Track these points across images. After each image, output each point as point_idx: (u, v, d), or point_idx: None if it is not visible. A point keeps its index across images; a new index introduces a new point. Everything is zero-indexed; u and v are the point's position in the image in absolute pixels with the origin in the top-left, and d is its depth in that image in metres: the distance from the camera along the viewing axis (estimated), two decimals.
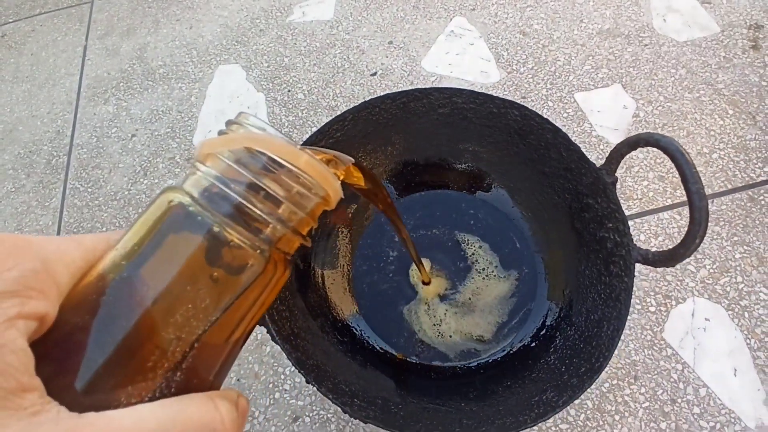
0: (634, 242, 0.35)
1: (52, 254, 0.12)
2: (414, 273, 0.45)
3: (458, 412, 0.34)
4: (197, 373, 0.13)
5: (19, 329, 0.11)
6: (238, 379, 0.78)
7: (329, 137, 0.43)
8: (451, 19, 1.16)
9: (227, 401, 0.13)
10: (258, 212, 0.14)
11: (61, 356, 0.12)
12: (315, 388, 0.67)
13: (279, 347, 0.79)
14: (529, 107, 0.42)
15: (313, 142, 0.43)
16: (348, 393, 0.33)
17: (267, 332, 0.33)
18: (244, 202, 0.14)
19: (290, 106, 1.04)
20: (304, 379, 0.78)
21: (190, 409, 0.12)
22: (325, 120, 0.41)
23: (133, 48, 1.23)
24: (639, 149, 0.92)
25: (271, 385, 0.78)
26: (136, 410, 0.11)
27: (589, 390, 0.74)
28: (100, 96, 1.16)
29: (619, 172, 0.90)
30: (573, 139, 0.39)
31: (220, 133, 0.15)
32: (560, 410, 0.29)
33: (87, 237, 0.13)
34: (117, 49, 1.24)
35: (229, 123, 0.16)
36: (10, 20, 1.36)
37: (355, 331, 0.42)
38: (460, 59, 1.08)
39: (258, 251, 0.14)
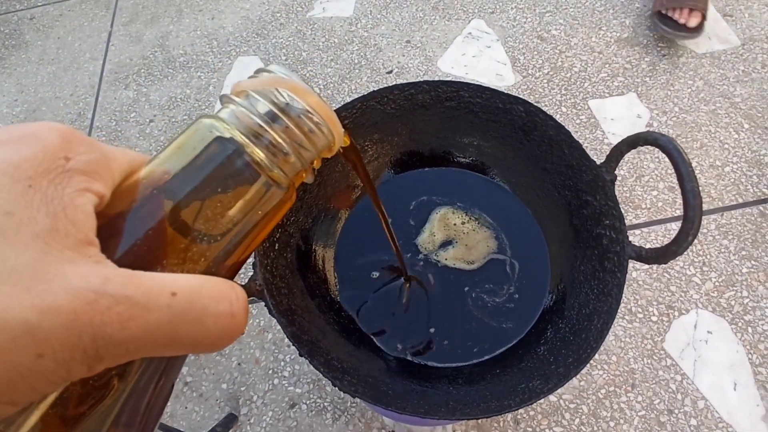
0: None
1: (110, 153, 0.15)
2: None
3: (445, 394, 0.35)
4: (216, 267, 0.17)
5: (88, 198, 0.14)
6: (239, 363, 0.79)
7: None
8: (469, 21, 1.16)
9: (240, 288, 0.15)
10: (279, 141, 0.18)
11: (109, 233, 0.14)
12: (309, 366, 0.67)
13: (280, 335, 0.81)
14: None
15: None
16: (339, 369, 0.34)
17: (265, 305, 0.35)
18: (269, 131, 0.17)
19: None
20: (303, 368, 0.79)
21: (214, 281, 0.14)
22: None
23: (156, 36, 1.26)
24: (651, 159, 0.92)
25: (270, 371, 0.79)
26: (173, 275, 0.14)
27: (585, 395, 0.74)
28: (121, 81, 1.18)
29: (628, 182, 0.90)
30: (584, 146, 0.40)
31: (251, 77, 0.19)
32: (545, 396, 0.30)
33: (132, 151, 0.17)
34: (140, 36, 1.27)
35: (258, 70, 0.19)
36: (39, 4, 1.40)
37: (351, 314, 0.43)
38: (476, 61, 1.09)
39: (274, 171, 0.18)
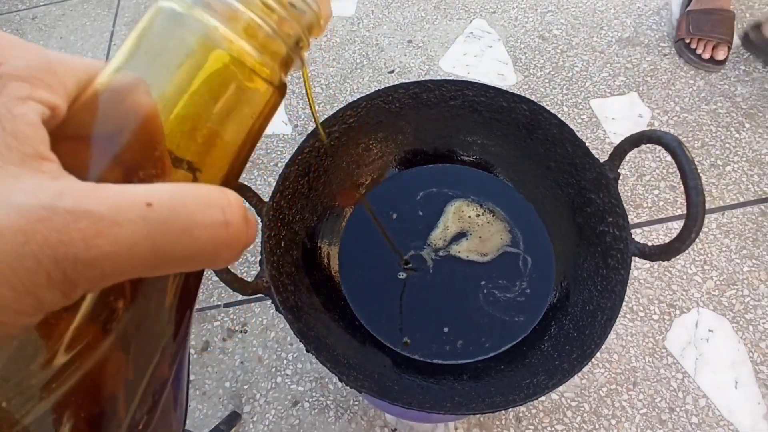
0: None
1: (55, 58, 0.13)
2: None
3: (451, 390, 0.35)
4: (202, 177, 0.14)
5: (32, 108, 0.11)
6: (242, 362, 0.80)
7: (342, 122, 0.45)
8: (471, 21, 1.17)
9: (234, 193, 0.13)
10: (255, 20, 0.14)
11: (74, 150, 0.12)
12: (317, 364, 0.68)
13: (282, 333, 0.81)
14: None
15: (327, 126, 0.45)
16: (346, 365, 0.34)
17: (271, 302, 0.35)
18: (243, 10, 0.14)
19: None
20: (306, 366, 0.79)
21: (199, 187, 0.12)
22: None
23: None
24: (652, 158, 0.92)
25: (273, 369, 0.79)
26: (148, 185, 0.12)
27: (586, 393, 0.74)
28: None
29: (630, 181, 0.90)
30: (587, 145, 0.41)
31: None
32: (549, 392, 0.30)
33: (89, 59, 0.14)
34: None
35: None
36: (42, 3, 1.40)
37: (355, 312, 0.44)
38: (478, 61, 1.09)
39: (255, 57, 0.14)
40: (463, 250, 0.46)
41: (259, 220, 0.40)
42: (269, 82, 0.15)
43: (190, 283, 0.16)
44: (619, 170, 0.38)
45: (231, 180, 0.16)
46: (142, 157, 0.13)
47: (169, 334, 0.15)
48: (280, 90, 0.16)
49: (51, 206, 0.10)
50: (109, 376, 0.13)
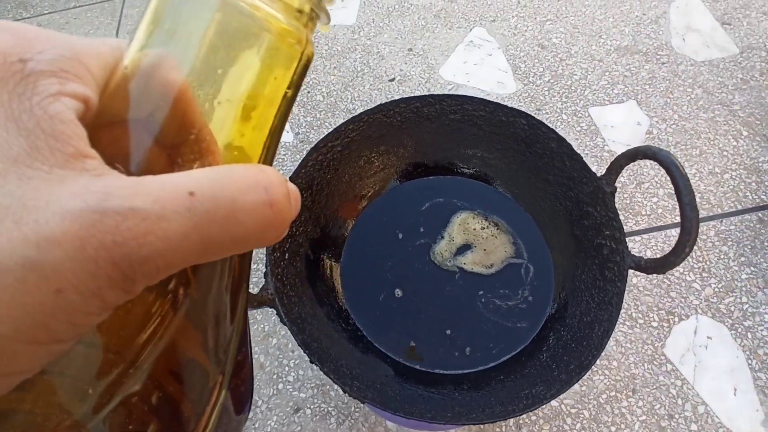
0: (631, 251, 0.37)
1: (80, 46, 0.12)
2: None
3: (451, 400, 0.36)
4: (241, 151, 0.14)
5: (66, 104, 0.11)
6: None
7: (344, 136, 0.46)
8: (471, 30, 1.18)
9: (273, 170, 0.13)
10: None
11: (111, 142, 0.12)
12: (318, 371, 0.69)
13: (284, 340, 0.82)
14: (543, 120, 0.45)
15: (329, 140, 0.45)
16: (348, 375, 0.35)
17: (276, 313, 0.36)
18: None
19: (309, 108, 1.07)
20: (307, 373, 0.80)
21: (238, 168, 0.12)
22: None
23: None
24: (650, 166, 0.93)
25: (275, 376, 0.80)
26: (188, 173, 0.12)
27: (586, 400, 0.75)
28: None
29: (628, 188, 0.91)
30: (585, 153, 0.41)
31: None
32: (547, 402, 0.31)
33: (112, 39, 0.14)
34: None
35: None
36: (46, 11, 1.42)
37: (357, 323, 0.45)
38: (478, 69, 1.10)
39: (283, 22, 0.14)
40: (468, 262, 0.46)
41: None
42: (297, 44, 0.14)
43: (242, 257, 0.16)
44: (616, 183, 0.39)
45: (268, 158, 0.15)
46: (180, 140, 0.13)
47: (227, 305, 0.15)
48: (308, 52, 0.15)
49: (100, 208, 0.10)
50: (184, 346, 0.14)
